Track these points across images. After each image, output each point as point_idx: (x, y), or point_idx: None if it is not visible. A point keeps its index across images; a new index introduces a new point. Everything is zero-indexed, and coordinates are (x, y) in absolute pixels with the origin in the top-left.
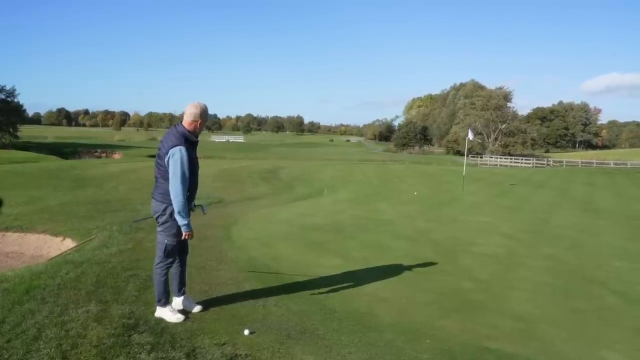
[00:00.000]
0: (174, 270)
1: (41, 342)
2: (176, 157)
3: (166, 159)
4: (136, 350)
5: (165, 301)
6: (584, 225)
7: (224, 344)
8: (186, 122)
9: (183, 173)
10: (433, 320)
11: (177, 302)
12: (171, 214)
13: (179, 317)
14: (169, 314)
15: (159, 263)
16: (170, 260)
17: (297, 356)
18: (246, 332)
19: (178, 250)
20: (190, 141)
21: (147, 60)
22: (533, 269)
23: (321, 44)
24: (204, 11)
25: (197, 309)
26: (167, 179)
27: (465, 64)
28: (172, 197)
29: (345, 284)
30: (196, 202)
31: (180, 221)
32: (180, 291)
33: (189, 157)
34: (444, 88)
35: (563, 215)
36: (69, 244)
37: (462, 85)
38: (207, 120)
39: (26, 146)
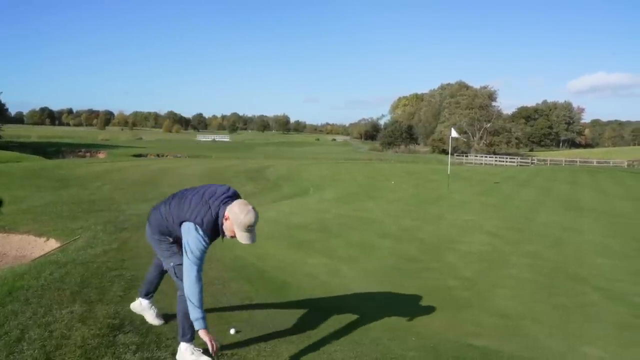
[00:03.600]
0: (152, 273)
1: (24, 344)
2: (191, 235)
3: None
4: (121, 350)
5: (191, 337)
6: (567, 223)
7: None
8: (226, 215)
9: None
10: (418, 317)
11: (144, 303)
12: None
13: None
14: (190, 356)
15: (181, 292)
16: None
17: (283, 355)
18: (232, 331)
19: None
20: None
21: (132, 58)
22: (517, 266)
23: (308, 44)
24: (189, 9)
25: (156, 322)
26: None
27: (452, 63)
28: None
29: (331, 283)
30: None
31: (194, 315)
32: (147, 295)
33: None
34: (430, 87)
35: (546, 213)
36: (52, 244)
37: (448, 85)
38: (239, 227)
39: (9, 146)
